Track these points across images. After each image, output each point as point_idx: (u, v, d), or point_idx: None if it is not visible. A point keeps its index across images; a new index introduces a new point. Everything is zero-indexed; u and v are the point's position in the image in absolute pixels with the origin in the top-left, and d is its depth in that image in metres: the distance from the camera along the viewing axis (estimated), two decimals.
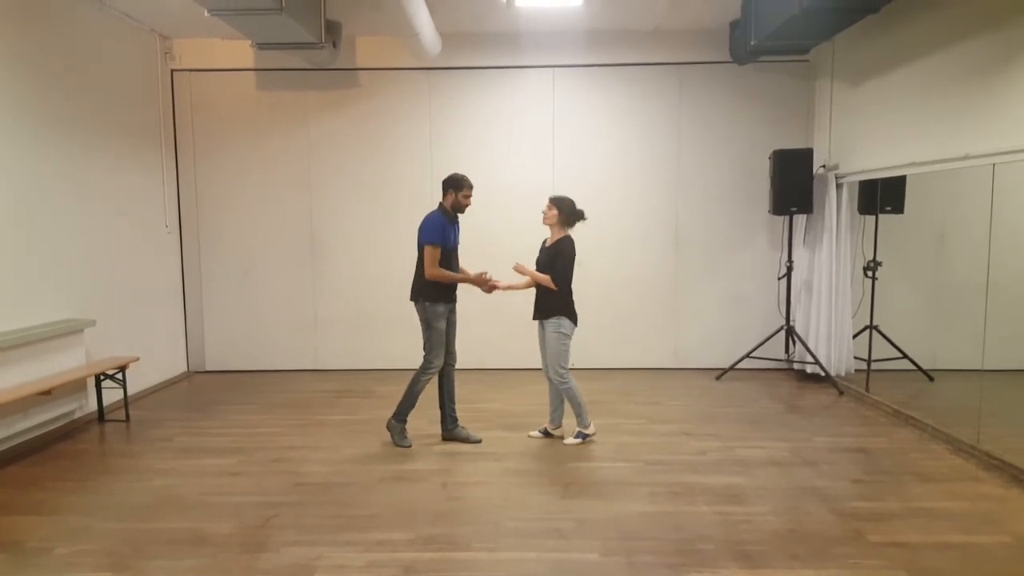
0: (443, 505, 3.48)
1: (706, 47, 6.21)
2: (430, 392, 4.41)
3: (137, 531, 3.21)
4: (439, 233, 4.20)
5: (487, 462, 4.09)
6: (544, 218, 4.41)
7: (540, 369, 6.41)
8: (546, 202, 4.41)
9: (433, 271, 4.18)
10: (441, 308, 4.27)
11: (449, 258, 4.32)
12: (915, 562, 2.86)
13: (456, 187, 4.31)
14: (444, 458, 4.16)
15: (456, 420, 4.50)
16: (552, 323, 4.34)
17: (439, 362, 4.33)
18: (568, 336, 4.36)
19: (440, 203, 4.36)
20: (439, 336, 4.29)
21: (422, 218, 4.29)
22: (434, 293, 4.26)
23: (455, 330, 4.45)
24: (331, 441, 4.47)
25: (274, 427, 4.82)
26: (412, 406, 4.39)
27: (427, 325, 4.29)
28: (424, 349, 4.32)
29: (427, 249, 4.18)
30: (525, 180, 6.40)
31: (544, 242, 4.51)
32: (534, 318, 4.47)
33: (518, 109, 6.37)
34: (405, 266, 4.53)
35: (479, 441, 4.42)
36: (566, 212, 4.34)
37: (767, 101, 6.29)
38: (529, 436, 4.54)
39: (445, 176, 4.42)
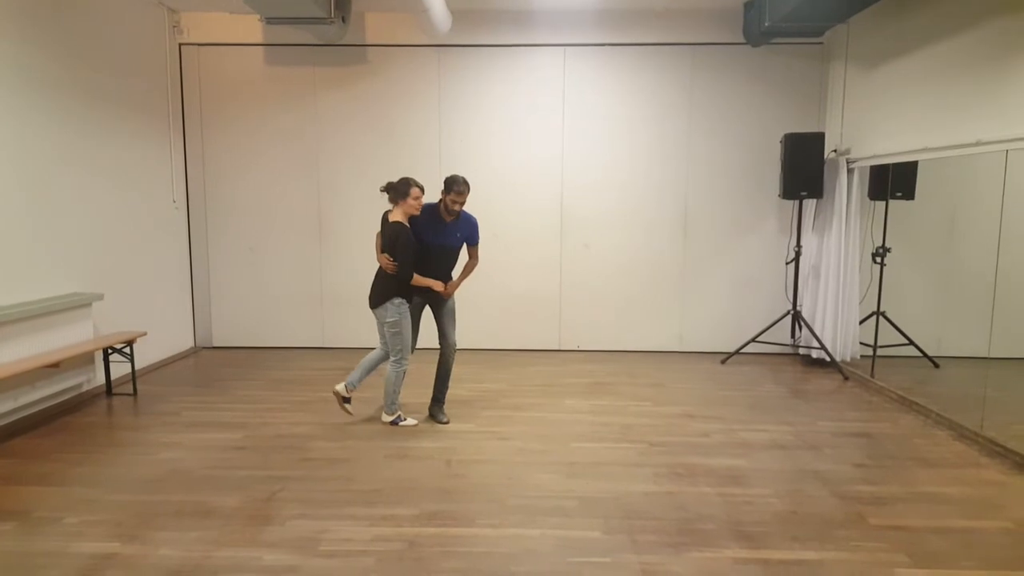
0: (447, 482, 3.50)
1: (719, 28, 6.13)
2: (429, 373, 4.44)
3: (144, 503, 3.25)
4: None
5: (491, 441, 4.11)
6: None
7: (541, 350, 6.50)
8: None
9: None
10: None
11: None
12: (916, 546, 2.87)
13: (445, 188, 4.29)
14: (449, 436, 4.18)
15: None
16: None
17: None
18: None
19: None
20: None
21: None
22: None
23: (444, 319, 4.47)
24: (336, 418, 4.49)
25: (280, 403, 4.85)
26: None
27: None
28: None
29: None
30: (535, 159, 6.37)
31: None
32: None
33: (528, 88, 6.32)
34: None
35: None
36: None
37: (779, 84, 6.22)
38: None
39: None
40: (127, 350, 5.00)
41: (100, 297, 4.91)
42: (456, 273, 4.48)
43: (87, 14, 4.96)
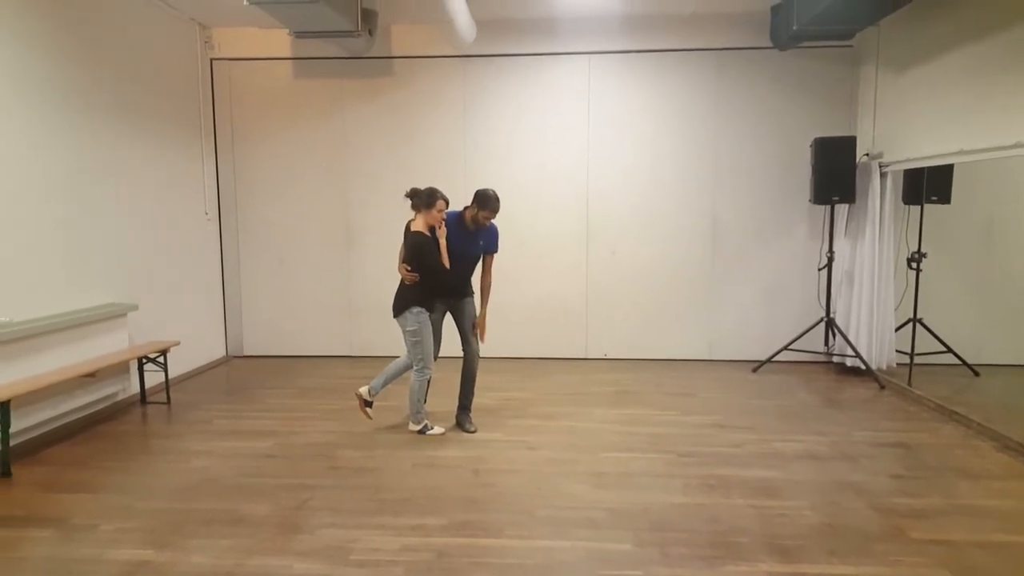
0: (476, 492, 3.49)
1: (746, 32, 6.06)
2: (454, 381, 4.44)
3: (177, 510, 3.29)
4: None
5: (520, 450, 4.09)
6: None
7: (568, 359, 6.46)
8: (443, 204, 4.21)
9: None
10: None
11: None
12: (958, 560, 2.78)
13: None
14: (476, 445, 4.17)
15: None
16: None
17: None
18: None
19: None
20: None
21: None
22: None
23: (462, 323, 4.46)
24: (364, 426, 4.51)
25: (309, 412, 4.89)
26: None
27: None
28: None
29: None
30: (560, 167, 6.36)
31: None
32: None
33: (553, 97, 6.32)
34: None
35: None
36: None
37: (809, 87, 6.12)
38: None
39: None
40: (161, 359, 5.09)
41: (135, 307, 5.01)
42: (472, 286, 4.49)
43: (121, 31, 5.09)
